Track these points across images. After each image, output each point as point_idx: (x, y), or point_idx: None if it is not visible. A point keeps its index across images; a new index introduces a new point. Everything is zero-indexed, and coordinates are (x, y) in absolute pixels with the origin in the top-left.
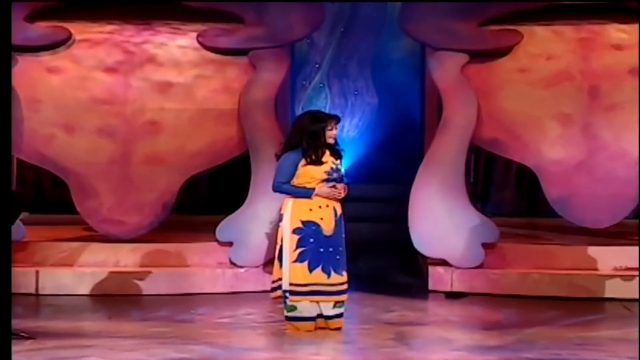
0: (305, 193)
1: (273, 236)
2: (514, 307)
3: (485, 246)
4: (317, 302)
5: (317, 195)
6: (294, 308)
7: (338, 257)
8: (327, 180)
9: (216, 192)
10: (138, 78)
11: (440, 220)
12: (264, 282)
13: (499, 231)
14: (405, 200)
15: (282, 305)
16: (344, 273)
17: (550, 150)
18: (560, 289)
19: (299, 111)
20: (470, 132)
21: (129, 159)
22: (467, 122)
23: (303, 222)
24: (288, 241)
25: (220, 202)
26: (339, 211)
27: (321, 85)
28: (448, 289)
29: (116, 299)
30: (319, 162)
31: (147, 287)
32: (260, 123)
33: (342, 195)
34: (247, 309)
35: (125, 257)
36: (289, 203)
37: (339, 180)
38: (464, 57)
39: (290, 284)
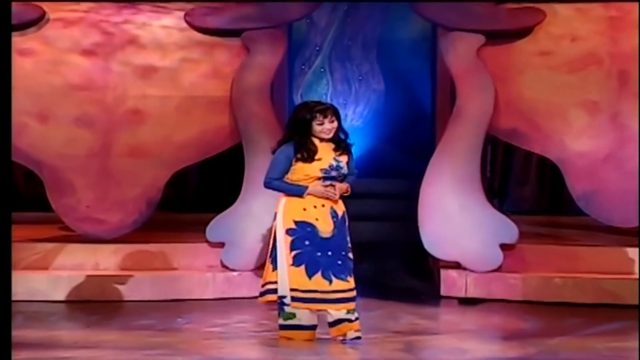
0: (297, 191)
1: (268, 237)
2: (535, 315)
3: (504, 247)
4: (318, 310)
5: (309, 194)
6: (292, 316)
7: (340, 261)
8: (323, 179)
9: (206, 188)
10: (118, 62)
11: (453, 219)
12: (259, 287)
13: (518, 231)
14: (414, 197)
15: (277, 312)
16: (349, 279)
17: (575, 142)
18: (586, 294)
19: (297, 99)
20: (486, 121)
21: (110, 151)
22: (482, 110)
23: (296, 223)
24: (282, 243)
25: (210, 199)
26: (340, 212)
27: (322, 69)
28: (462, 294)
29: (95, 305)
30: (310, 158)
31: (129, 292)
32: (254, 111)
33: (337, 197)
34: (240, 317)
35: (106, 260)
36: (282, 201)
37: (340, 179)
38: (480, 39)
39: (291, 290)
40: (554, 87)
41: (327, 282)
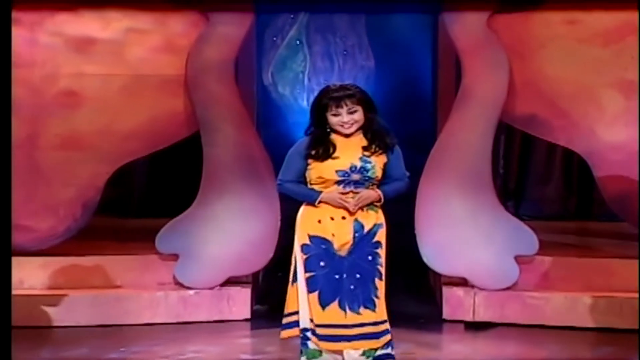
0: (308, 197)
1: (235, 246)
2: (559, 343)
3: (521, 260)
4: (333, 352)
5: (323, 202)
6: (316, 354)
7: (353, 286)
8: (341, 183)
9: (156, 188)
10: (48, 32)
11: (458, 226)
12: (221, 309)
13: (537, 240)
14: (411, 198)
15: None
16: (364, 311)
17: (608, 131)
18: (621, 317)
19: (267, 77)
20: (499, 106)
21: (37, 143)
22: (495, 93)
23: (311, 238)
24: (299, 262)
25: (161, 201)
26: (369, 225)
27: (298, 42)
28: (470, 318)
29: (19, 332)
30: (323, 157)
31: (61, 315)
32: (215, 93)
33: (352, 207)
34: (198, 346)
35: (32, 276)
36: (301, 210)
37: (368, 184)
38: (491, 6)
39: (312, 322)
40: (582, 64)
41: (342, 313)
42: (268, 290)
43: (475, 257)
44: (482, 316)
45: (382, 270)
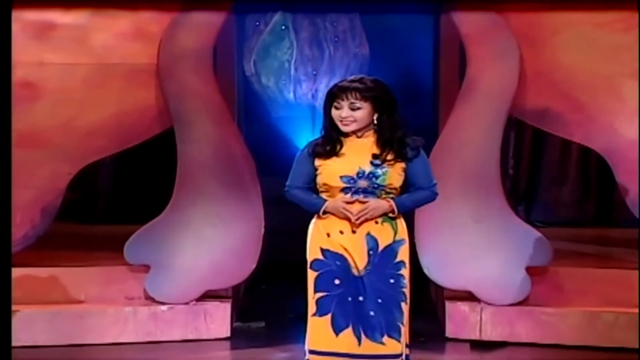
0: (312, 206)
1: (213, 256)
2: None
3: (533, 272)
4: None
5: (327, 212)
6: None
7: (372, 312)
8: (348, 190)
9: (125, 190)
10: None
11: (463, 233)
12: (197, 327)
13: (552, 249)
14: None
15: None
16: (387, 340)
17: (629, 126)
18: None
19: (249, 67)
20: (508, 99)
21: None
22: (503, 84)
23: (323, 252)
24: (309, 282)
25: (130, 206)
26: (385, 241)
27: (283, 27)
28: (476, 336)
29: None
30: (327, 155)
31: (16, 334)
32: (190, 85)
33: (353, 218)
34: None
35: None
36: (312, 221)
37: (380, 192)
38: None
39: (310, 352)
40: (601, 51)
41: (355, 341)
42: (250, 305)
43: (482, 268)
44: (489, 335)
45: (407, 292)
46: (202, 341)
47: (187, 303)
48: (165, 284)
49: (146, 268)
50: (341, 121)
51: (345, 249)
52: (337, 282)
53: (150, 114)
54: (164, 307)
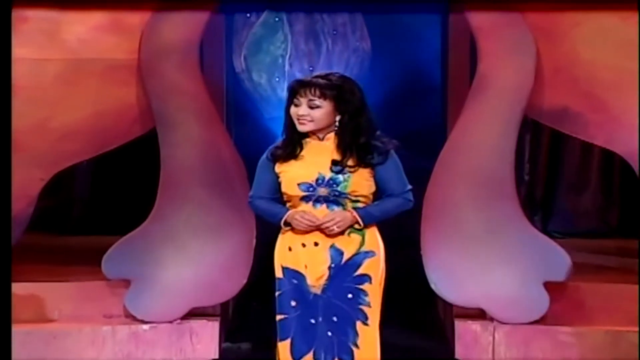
0: (272, 217)
1: (200, 270)
2: None
3: (551, 287)
4: None
5: (286, 222)
6: None
7: (330, 332)
8: (308, 200)
9: (102, 198)
10: None
11: (474, 244)
12: (183, 347)
13: (571, 262)
14: (415, 210)
15: None
16: None
17: None
18: None
19: (239, 63)
20: (523, 97)
21: None
22: (518, 82)
23: (284, 270)
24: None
25: (108, 215)
26: (349, 252)
27: (276, 19)
28: (488, 358)
29: None
30: (285, 158)
31: None
32: (175, 82)
33: (302, 226)
34: None
35: None
36: (280, 235)
37: (337, 201)
38: None
39: None
40: (626, 46)
41: None
42: (240, 324)
43: (495, 284)
44: (503, 356)
45: (370, 312)
46: None
47: (171, 322)
48: (147, 300)
49: (126, 283)
50: (298, 119)
51: (306, 265)
52: (293, 303)
53: (131, 115)
54: (145, 326)
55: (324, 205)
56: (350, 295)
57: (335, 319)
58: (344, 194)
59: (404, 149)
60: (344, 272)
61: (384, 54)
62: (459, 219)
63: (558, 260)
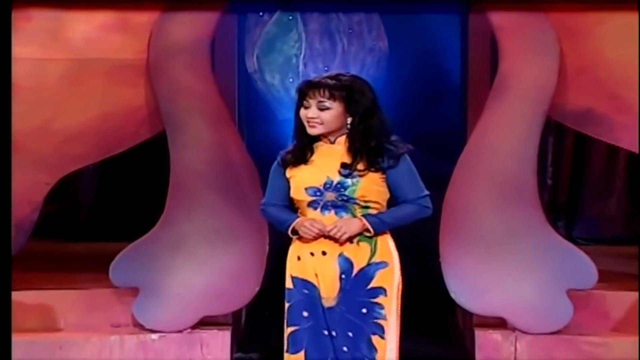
0: (281, 224)
1: (210, 278)
2: None
3: (575, 296)
4: None
5: (294, 230)
6: None
7: (346, 347)
8: (316, 205)
9: (109, 204)
10: None
11: (494, 251)
12: (192, 358)
13: (596, 270)
14: (434, 216)
15: None
16: None
17: None
18: None
19: (251, 63)
20: (546, 99)
21: None
22: (540, 82)
23: (293, 280)
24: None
25: (116, 221)
26: (360, 263)
27: (290, 18)
28: None
29: None
30: (295, 163)
31: None
32: (184, 83)
33: (309, 234)
34: None
35: None
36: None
37: (346, 207)
38: None
39: None
40: None
41: None
42: (252, 334)
43: (516, 292)
44: None
45: (387, 324)
46: None
47: (180, 331)
48: (156, 309)
49: (134, 291)
50: (308, 122)
51: (317, 274)
52: (305, 314)
53: (139, 117)
54: (154, 336)
55: (332, 212)
56: (364, 310)
57: (350, 334)
58: (352, 198)
59: (420, 153)
60: (357, 286)
61: (402, 53)
62: (479, 225)
63: (583, 268)
